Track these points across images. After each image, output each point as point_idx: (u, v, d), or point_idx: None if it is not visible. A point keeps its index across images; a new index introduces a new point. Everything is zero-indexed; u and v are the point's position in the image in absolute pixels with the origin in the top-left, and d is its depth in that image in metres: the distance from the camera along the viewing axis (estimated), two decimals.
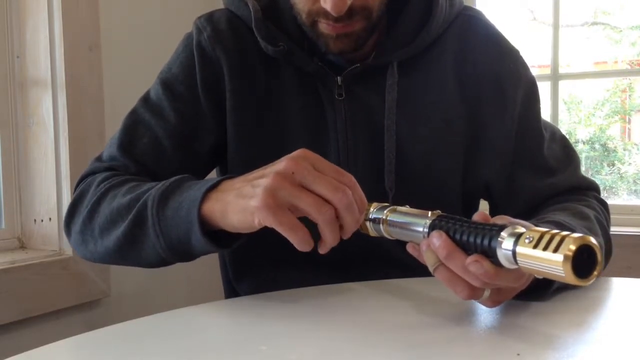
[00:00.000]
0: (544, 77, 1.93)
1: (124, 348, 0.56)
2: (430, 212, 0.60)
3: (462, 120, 0.83)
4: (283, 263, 0.83)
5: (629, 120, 2.39)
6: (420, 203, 0.79)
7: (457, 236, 0.55)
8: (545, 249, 0.47)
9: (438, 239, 0.55)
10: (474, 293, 0.56)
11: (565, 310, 0.64)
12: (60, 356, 0.55)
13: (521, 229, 0.51)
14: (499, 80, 0.84)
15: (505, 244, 0.50)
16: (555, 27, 1.87)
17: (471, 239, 0.54)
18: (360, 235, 0.81)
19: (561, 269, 0.46)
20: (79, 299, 1.34)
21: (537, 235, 0.48)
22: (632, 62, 2.20)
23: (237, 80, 0.82)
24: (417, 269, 0.81)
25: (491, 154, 0.84)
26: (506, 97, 0.84)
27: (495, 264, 0.52)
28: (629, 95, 2.35)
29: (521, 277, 0.55)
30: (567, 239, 0.46)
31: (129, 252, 0.71)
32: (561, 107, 1.98)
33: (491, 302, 0.59)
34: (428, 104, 0.83)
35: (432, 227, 0.58)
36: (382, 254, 0.82)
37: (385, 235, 0.64)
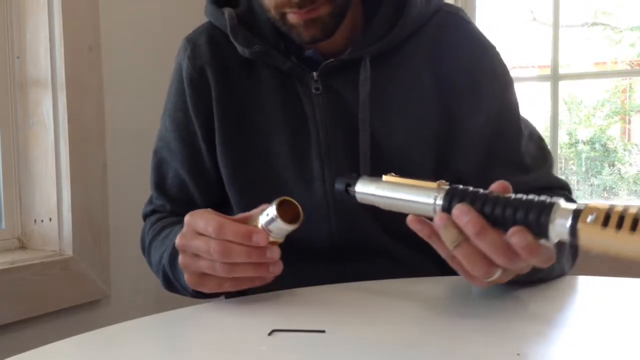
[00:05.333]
0: (544, 77, 1.93)
1: (124, 348, 0.56)
2: (436, 183, 0.57)
3: (436, 114, 0.84)
4: None
5: (629, 120, 2.39)
6: None
7: (487, 209, 0.53)
8: (619, 227, 0.46)
9: (467, 214, 0.53)
10: (489, 272, 0.56)
11: (565, 310, 0.65)
12: (60, 356, 0.55)
13: (570, 204, 0.50)
14: (475, 76, 0.85)
15: (561, 220, 0.49)
16: (555, 27, 1.88)
17: (508, 213, 0.52)
18: (351, 230, 0.84)
19: None
20: (79, 299, 1.34)
21: (602, 214, 0.47)
22: (632, 63, 2.20)
23: (220, 87, 0.87)
24: (405, 260, 0.84)
25: (465, 148, 0.85)
26: (481, 93, 0.85)
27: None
28: (629, 96, 2.35)
29: (553, 257, 0.54)
30: None
31: (175, 291, 0.82)
32: (561, 107, 1.98)
33: (488, 283, 0.59)
34: (402, 98, 0.84)
35: (448, 200, 0.55)
36: (372, 247, 0.85)
37: (375, 204, 0.62)
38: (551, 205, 0.51)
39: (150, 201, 0.96)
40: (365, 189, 0.62)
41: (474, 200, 0.54)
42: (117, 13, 1.45)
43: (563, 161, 2.19)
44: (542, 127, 2.10)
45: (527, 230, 0.51)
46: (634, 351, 0.52)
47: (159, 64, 1.52)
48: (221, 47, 0.88)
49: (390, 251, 0.84)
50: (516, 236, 0.52)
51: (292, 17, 0.78)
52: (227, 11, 0.86)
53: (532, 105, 2.12)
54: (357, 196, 0.63)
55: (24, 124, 1.35)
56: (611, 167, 2.19)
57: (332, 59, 0.83)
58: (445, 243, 0.56)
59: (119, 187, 1.43)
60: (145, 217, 0.96)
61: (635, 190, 2.15)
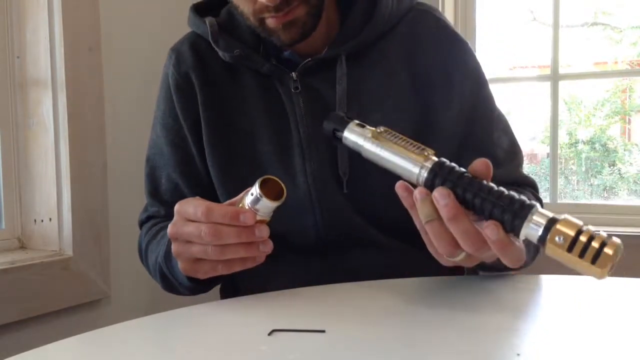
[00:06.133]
0: (544, 77, 1.94)
1: (124, 348, 0.56)
2: (425, 151, 0.58)
3: (412, 108, 0.87)
4: None
5: (629, 120, 2.39)
6: (374, 187, 0.84)
7: (469, 196, 0.55)
8: (581, 256, 0.49)
9: (445, 198, 0.55)
10: (454, 254, 0.58)
11: (565, 311, 0.65)
12: (60, 356, 0.55)
13: (546, 214, 0.52)
14: (448, 69, 0.87)
15: (534, 226, 0.52)
16: (555, 27, 1.88)
17: (486, 205, 0.54)
18: (335, 222, 0.85)
19: (598, 276, 0.49)
20: (79, 299, 1.34)
21: (568, 239, 0.50)
22: (632, 63, 2.20)
23: (205, 91, 0.90)
24: (392, 250, 0.86)
25: (440, 140, 0.87)
26: (454, 85, 0.87)
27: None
28: (629, 96, 2.35)
29: (522, 258, 0.57)
30: (605, 252, 0.49)
31: (176, 293, 0.85)
32: (561, 107, 1.98)
33: (452, 262, 0.61)
34: (379, 94, 0.87)
35: (432, 176, 0.57)
36: (359, 239, 0.86)
37: (360, 153, 0.61)
38: (528, 209, 0.53)
39: (145, 209, 0.98)
40: (352, 137, 0.62)
41: (455, 185, 0.56)
42: (117, 13, 1.45)
43: (563, 161, 2.19)
44: (542, 127, 2.10)
45: (500, 225, 0.54)
46: (635, 350, 0.52)
47: (159, 64, 1.51)
48: (204, 53, 0.91)
49: (376, 242, 0.86)
50: (489, 229, 0.54)
51: (271, 22, 0.80)
52: (208, 19, 0.90)
53: (532, 105, 2.12)
54: (344, 141, 0.63)
55: (24, 124, 1.35)
56: (611, 167, 2.19)
57: (309, 59, 0.86)
58: (420, 216, 0.58)
59: (119, 187, 1.43)
60: (142, 224, 0.98)
61: (635, 190, 2.15)
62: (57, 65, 1.30)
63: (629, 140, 2.37)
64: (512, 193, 0.55)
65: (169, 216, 0.93)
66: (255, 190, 0.64)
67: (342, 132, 0.62)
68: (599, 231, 0.51)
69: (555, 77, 1.88)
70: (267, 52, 0.89)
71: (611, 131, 2.29)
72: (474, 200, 0.55)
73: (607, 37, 2.22)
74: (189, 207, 0.67)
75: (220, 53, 0.88)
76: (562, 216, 0.52)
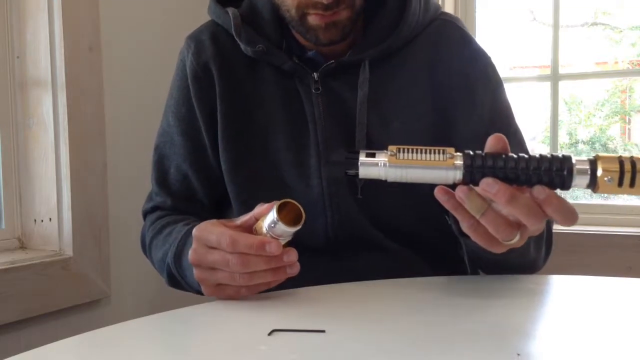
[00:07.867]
0: (544, 77, 1.93)
1: (124, 348, 0.56)
2: (446, 152, 0.57)
3: (432, 116, 0.86)
4: None
5: (629, 120, 2.39)
6: (389, 194, 0.84)
7: (510, 174, 0.56)
8: (631, 185, 0.53)
9: (493, 186, 0.55)
10: (512, 234, 0.58)
11: (565, 311, 0.65)
12: (60, 356, 0.55)
13: (582, 158, 0.55)
14: (470, 81, 0.87)
15: (582, 176, 0.55)
16: (555, 27, 1.87)
17: (531, 175, 0.55)
18: (345, 225, 0.85)
19: None
20: (79, 299, 1.34)
21: (617, 174, 0.53)
22: (632, 63, 2.20)
23: (224, 83, 0.88)
24: (398, 255, 0.86)
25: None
26: (475, 98, 0.87)
27: None
28: (629, 96, 2.35)
29: (575, 215, 0.57)
30: None
31: (179, 288, 0.84)
32: (561, 107, 1.98)
33: (506, 247, 0.61)
34: (399, 101, 0.86)
35: (468, 171, 0.56)
36: (366, 241, 0.86)
37: (386, 179, 0.58)
38: (570, 162, 0.55)
39: (150, 198, 0.97)
40: (370, 172, 0.58)
41: (495, 169, 0.56)
42: (117, 13, 1.45)
43: None
44: (542, 127, 2.10)
45: (545, 186, 0.56)
46: (635, 350, 0.52)
47: (159, 64, 1.52)
48: (224, 44, 0.90)
49: (384, 246, 0.86)
50: (536, 190, 0.55)
51: (314, 19, 0.80)
52: (231, 10, 0.88)
53: (532, 105, 2.12)
54: (362, 177, 0.59)
55: (24, 124, 1.35)
56: None
57: (332, 61, 0.85)
58: (472, 212, 0.58)
59: (119, 187, 1.43)
60: (146, 214, 0.97)
61: None
62: (57, 65, 1.30)
63: (629, 140, 2.37)
64: (543, 154, 0.56)
65: (176, 207, 0.94)
66: (273, 217, 0.63)
67: (357, 170, 0.59)
68: (630, 155, 0.54)
69: (555, 77, 1.88)
70: (290, 50, 0.88)
71: (611, 131, 2.29)
72: (517, 176, 0.56)
73: (607, 37, 2.22)
74: (211, 235, 0.67)
75: (243, 46, 0.87)
76: (596, 156, 0.55)
